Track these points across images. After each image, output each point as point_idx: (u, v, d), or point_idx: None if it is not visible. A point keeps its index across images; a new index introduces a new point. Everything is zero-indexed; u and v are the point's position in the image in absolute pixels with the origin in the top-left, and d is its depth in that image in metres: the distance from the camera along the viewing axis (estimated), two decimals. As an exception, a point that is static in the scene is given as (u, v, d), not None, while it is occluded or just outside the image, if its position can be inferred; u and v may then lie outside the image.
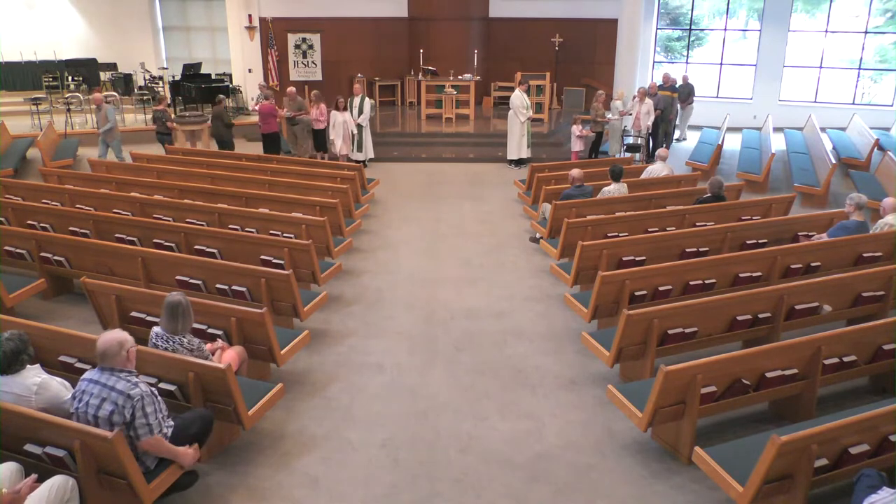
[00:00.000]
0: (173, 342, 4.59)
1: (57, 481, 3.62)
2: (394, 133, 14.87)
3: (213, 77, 16.82)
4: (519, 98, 12.49)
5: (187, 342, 4.63)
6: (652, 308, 5.35)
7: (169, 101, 13.28)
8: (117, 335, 3.84)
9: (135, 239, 7.24)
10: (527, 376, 5.82)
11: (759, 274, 6.51)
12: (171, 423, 4.06)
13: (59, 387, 4.09)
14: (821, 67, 16.53)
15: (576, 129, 12.33)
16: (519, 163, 12.87)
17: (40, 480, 3.65)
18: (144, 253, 6.54)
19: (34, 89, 16.79)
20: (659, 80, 14.92)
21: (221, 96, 12.97)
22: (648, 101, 12.75)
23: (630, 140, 13.07)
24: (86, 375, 3.91)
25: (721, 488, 4.03)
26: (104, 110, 11.90)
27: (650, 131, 13.01)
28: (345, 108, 12.22)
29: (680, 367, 4.41)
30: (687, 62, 17.68)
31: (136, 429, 3.78)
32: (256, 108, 12.97)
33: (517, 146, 12.83)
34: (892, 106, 16.09)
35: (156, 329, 4.70)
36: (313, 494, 4.41)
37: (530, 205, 9.86)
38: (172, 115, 13.28)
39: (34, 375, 4.06)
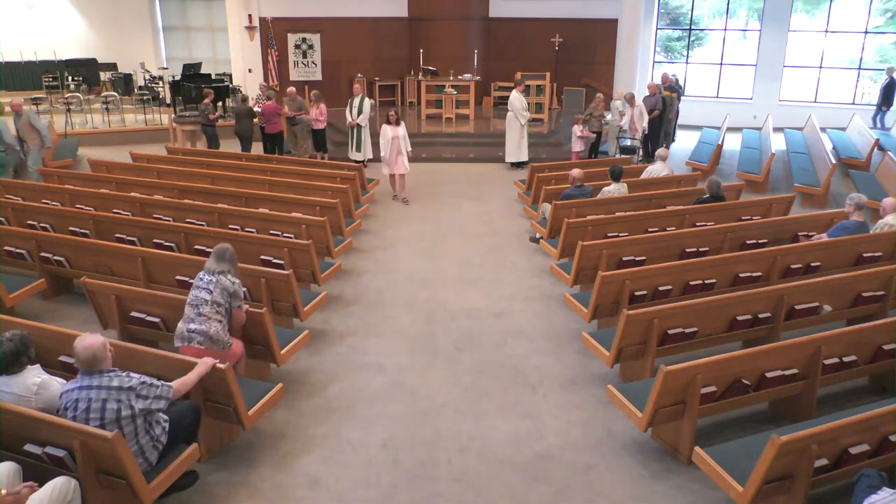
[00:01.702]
0: (216, 276, 4.87)
1: (59, 482, 3.62)
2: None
3: (213, 77, 16.83)
4: (518, 100, 12.43)
5: (231, 278, 4.93)
6: (652, 308, 5.35)
7: (214, 96, 13.28)
8: (98, 338, 3.85)
9: (135, 239, 7.24)
10: (527, 376, 5.82)
11: (759, 274, 6.51)
12: (166, 417, 4.09)
13: (59, 387, 4.08)
14: (821, 67, 16.54)
15: (577, 130, 12.32)
16: (519, 165, 12.82)
17: (40, 481, 3.65)
18: (144, 253, 6.54)
19: (34, 89, 16.81)
20: (657, 81, 14.89)
21: (247, 94, 13.04)
22: (640, 104, 12.69)
23: (626, 143, 13.02)
24: (72, 386, 3.85)
25: (721, 488, 4.03)
26: (25, 116, 10.98)
27: (646, 132, 12.94)
28: (397, 122, 10.70)
29: (680, 367, 4.41)
30: (687, 62, 17.70)
31: (153, 412, 3.90)
32: (257, 108, 12.99)
33: (516, 148, 12.77)
34: (892, 106, 16.08)
35: (200, 274, 4.96)
36: (313, 494, 4.41)
37: (530, 205, 9.86)
38: (216, 110, 13.25)
39: (34, 376, 4.07)
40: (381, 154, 10.68)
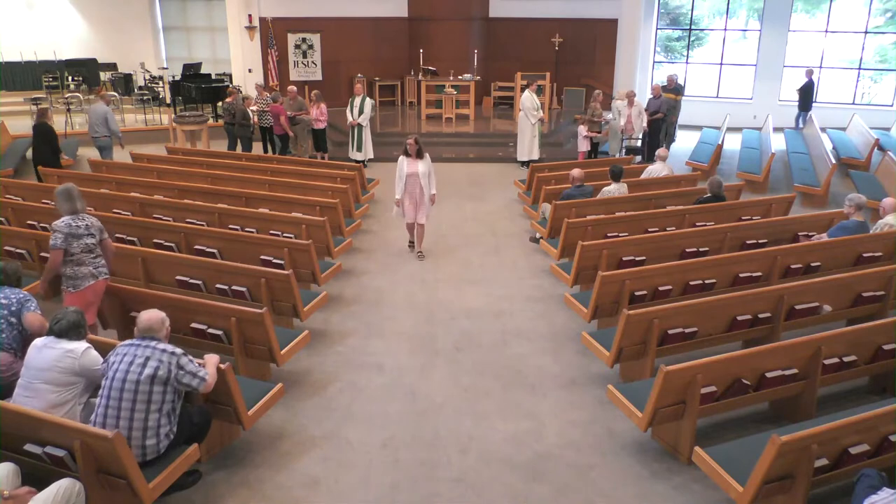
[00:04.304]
0: (86, 220, 5.36)
1: (64, 483, 3.62)
2: (394, 133, 14.86)
3: (213, 77, 16.84)
4: (529, 99, 12.45)
5: (92, 217, 5.48)
6: (652, 308, 5.35)
7: (236, 94, 13.21)
8: (160, 313, 4.21)
9: (135, 239, 7.25)
10: (527, 376, 5.82)
11: (759, 274, 6.51)
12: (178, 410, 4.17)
13: (98, 356, 4.25)
14: (821, 67, 16.53)
15: (583, 130, 12.33)
16: (527, 164, 12.78)
17: (40, 481, 3.65)
18: (144, 253, 6.54)
19: (34, 89, 16.80)
20: (658, 81, 14.86)
21: (248, 95, 13.10)
22: (639, 103, 12.67)
23: (632, 143, 12.99)
24: (124, 343, 4.15)
25: (721, 488, 4.03)
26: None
27: (646, 132, 12.93)
28: (419, 156, 8.08)
29: (680, 367, 4.41)
30: (687, 62, 17.70)
31: (195, 386, 4.09)
32: (254, 108, 12.99)
33: (528, 147, 12.79)
34: (892, 106, 16.10)
35: (60, 222, 5.27)
36: (313, 494, 4.41)
37: (530, 205, 9.86)
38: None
39: (84, 343, 4.25)
40: (396, 195, 8.21)
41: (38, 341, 4.22)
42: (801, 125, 15.10)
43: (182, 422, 4.13)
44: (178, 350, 4.11)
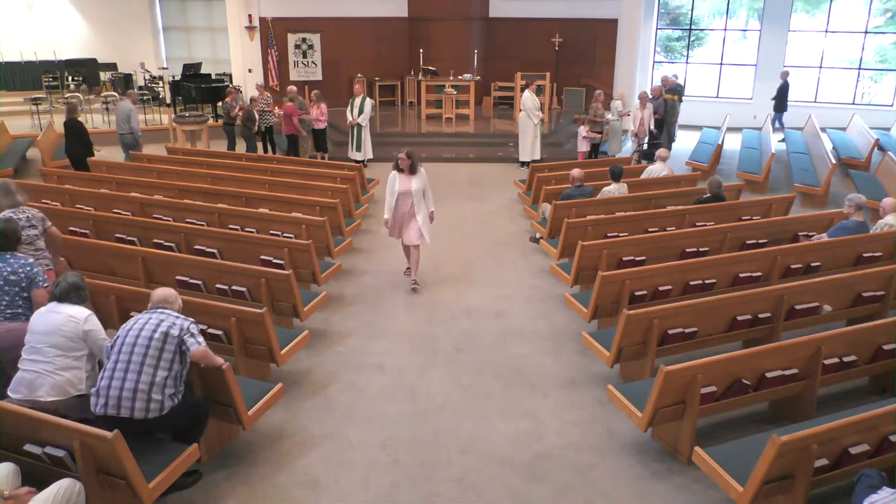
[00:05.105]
0: (26, 212, 5.53)
1: (64, 483, 3.62)
2: (394, 133, 14.88)
3: (213, 77, 16.84)
4: (530, 99, 12.45)
5: (32, 209, 5.66)
6: (652, 308, 5.35)
7: (235, 94, 13.26)
8: (172, 290, 4.46)
9: (135, 239, 7.24)
10: (527, 376, 5.82)
11: (759, 274, 6.51)
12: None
13: (100, 325, 4.32)
14: (821, 67, 16.54)
15: (582, 130, 12.33)
16: (531, 164, 12.75)
17: (41, 482, 3.65)
18: (144, 253, 6.54)
19: (34, 89, 16.80)
20: (657, 83, 14.85)
21: (254, 95, 13.21)
22: (649, 105, 12.71)
23: (644, 147, 12.92)
24: (140, 313, 4.32)
25: (721, 488, 4.03)
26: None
27: (654, 134, 12.94)
28: (411, 170, 7.24)
29: (680, 367, 4.41)
30: (687, 62, 17.70)
31: (189, 346, 4.16)
32: (256, 109, 12.99)
33: (530, 148, 12.78)
34: (892, 106, 16.10)
35: (1, 215, 5.35)
36: (313, 494, 4.41)
37: (530, 205, 9.87)
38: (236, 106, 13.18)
39: (87, 309, 4.36)
40: (385, 216, 7.45)
41: (42, 308, 4.36)
42: (778, 125, 15.09)
43: (185, 395, 4.21)
44: (191, 319, 4.30)
